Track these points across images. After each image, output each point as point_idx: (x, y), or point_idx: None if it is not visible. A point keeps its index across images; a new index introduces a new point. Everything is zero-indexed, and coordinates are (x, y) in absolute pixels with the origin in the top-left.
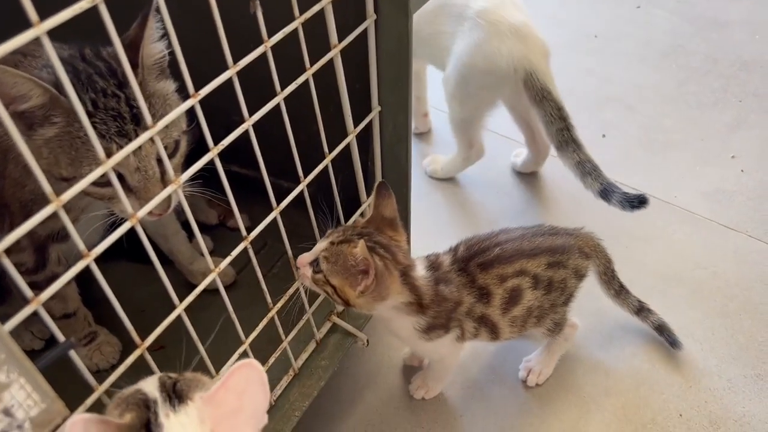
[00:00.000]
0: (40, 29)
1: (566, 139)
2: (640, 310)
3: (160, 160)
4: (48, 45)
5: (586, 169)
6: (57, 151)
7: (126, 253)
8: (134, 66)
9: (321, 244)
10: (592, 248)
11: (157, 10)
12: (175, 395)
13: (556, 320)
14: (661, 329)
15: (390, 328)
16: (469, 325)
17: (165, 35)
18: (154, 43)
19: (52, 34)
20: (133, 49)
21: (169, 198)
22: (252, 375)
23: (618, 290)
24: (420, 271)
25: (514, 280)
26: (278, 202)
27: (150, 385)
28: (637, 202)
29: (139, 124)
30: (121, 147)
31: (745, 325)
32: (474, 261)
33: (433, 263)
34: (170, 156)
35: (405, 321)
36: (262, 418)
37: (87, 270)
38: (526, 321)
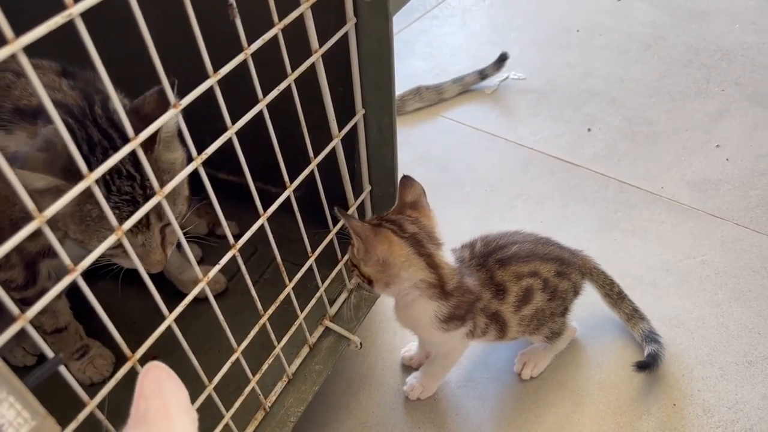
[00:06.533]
0: (16, 45)
1: None
2: (647, 338)
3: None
4: (26, 64)
5: None
6: (68, 220)
7: (116, 264)
8: (151, 142)
9: None
10: (589, 270)
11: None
12: None
13: (554, 330)
14: (654, 358)
15: (410, 316)
16: (481, 321)
17: None
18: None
19: (47, 53)
20: (146, 121)
21: (165, 251)
22: (160, 374)
23: (630, 314)
24: (447, 256)
25: (528, 280)
26: (267, 208)
27: None
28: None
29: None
30: (132, 232)
31: (734, 312)
32: (493, 257)
33: (458, 257)
34: None
35: (427, 306)
36: (192, 412)
37: (77, 284)
38: (531, 322)
